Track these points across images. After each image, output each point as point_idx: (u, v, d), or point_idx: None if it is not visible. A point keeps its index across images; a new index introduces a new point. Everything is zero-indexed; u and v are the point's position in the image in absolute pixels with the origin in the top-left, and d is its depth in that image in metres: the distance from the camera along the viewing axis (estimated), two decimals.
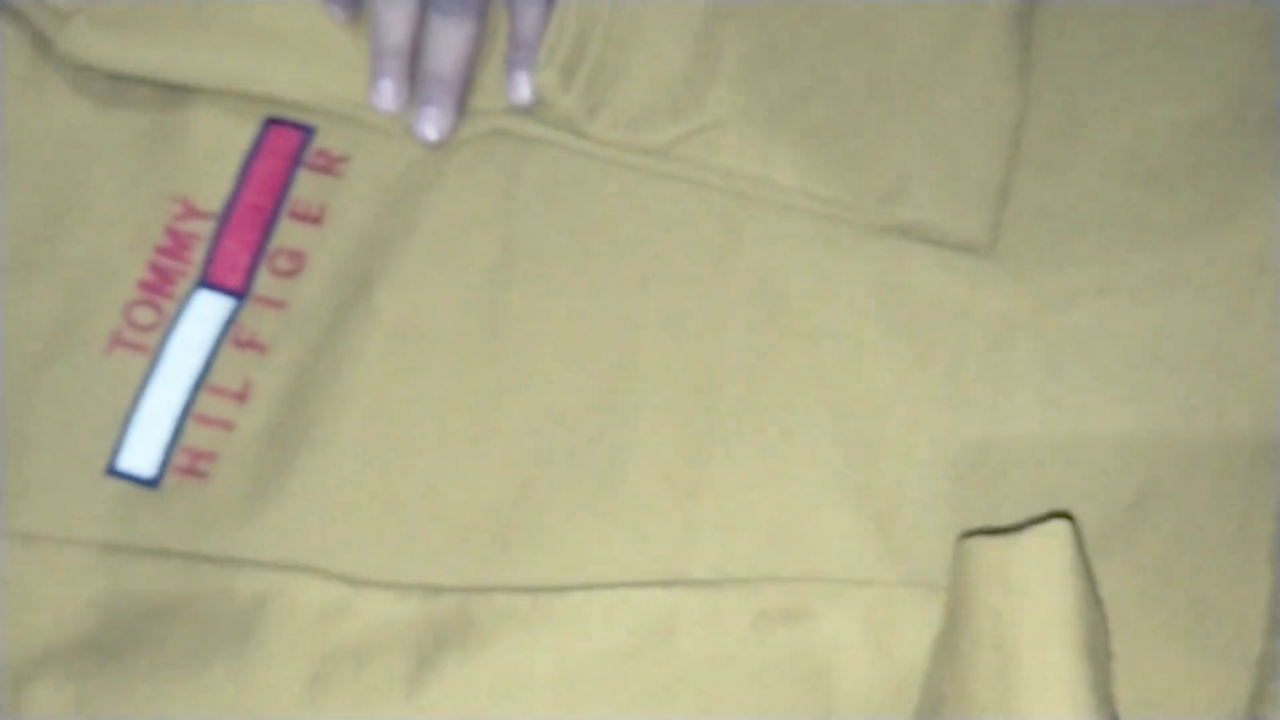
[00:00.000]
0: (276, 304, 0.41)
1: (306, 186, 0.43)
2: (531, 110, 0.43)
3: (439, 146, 0.42)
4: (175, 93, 0.44)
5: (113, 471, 0.40)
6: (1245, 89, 0.44)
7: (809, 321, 0.40)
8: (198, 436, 0.40)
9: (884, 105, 0.42)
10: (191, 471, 0.39)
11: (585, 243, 0.41)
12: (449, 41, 0.42)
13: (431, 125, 0.42)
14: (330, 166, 0.43)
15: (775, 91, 0.43)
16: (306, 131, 0.43)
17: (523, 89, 0.42)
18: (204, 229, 0.42)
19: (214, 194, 0.43)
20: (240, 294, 0.41)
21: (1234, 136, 0.43)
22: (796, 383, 0.40)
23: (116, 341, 0.41)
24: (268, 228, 0.42)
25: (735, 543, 0.38)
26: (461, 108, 0.43)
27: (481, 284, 0.41)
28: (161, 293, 0.42)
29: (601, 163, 0.42)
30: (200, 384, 0.40)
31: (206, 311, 0.41)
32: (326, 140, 0.43)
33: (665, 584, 0.37)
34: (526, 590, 0.37)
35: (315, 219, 0.42)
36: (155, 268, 0.42)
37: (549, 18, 0.42)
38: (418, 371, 0.40)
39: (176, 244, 0.42)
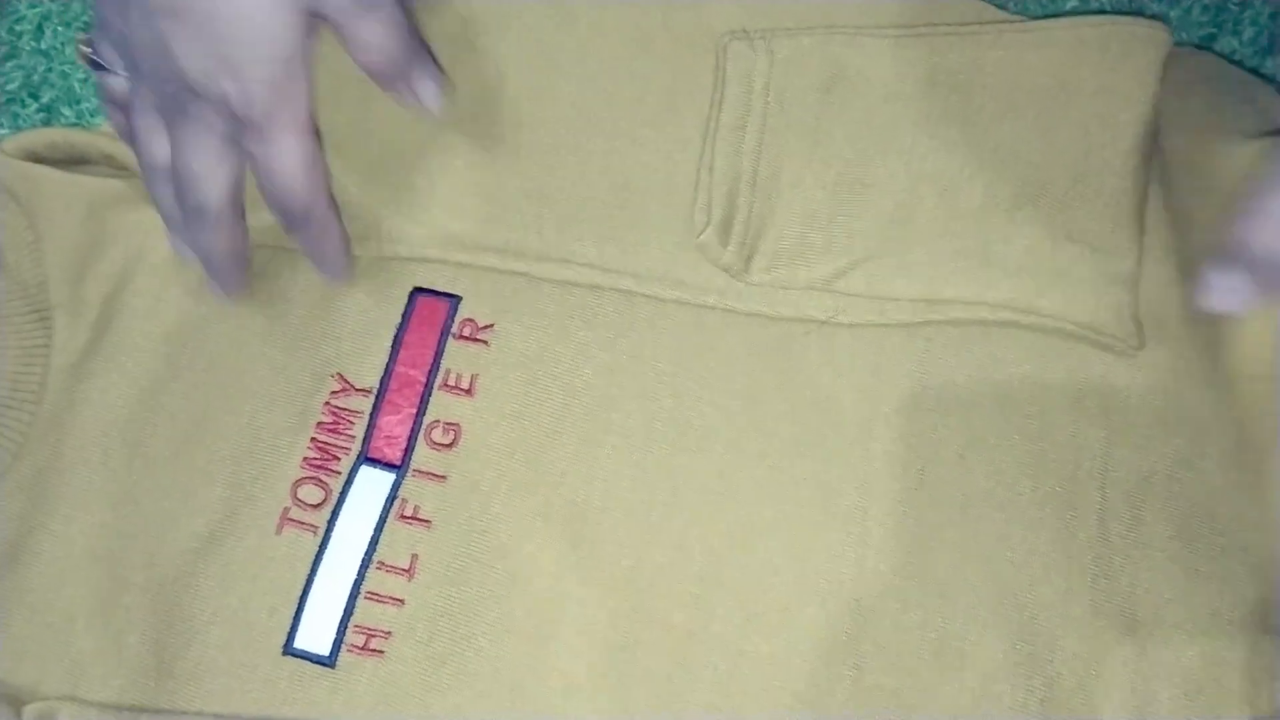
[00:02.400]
0: (436, 477, 0.43)
1: (457, 357, 0.44)
2: (670, 272, 0.44)
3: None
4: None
5: (290, 651, 0.41)
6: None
7: (955, 488, 0.42)
8: (371, 614, 0.41)
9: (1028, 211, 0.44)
10: (367, 649, 0.41)
11: (735, 413, 0.43)
12: (208, 244, 0.43)
13: (219, 298, 0.44)
14: (477, 334, 0.44)
15: (926, 215, 0.44)
16: (453, 300, 0.45)
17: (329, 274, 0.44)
18: (362, 404, 0.44)
19: (369, 368, 0.44)
20: (400, 467, 0.43)
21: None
22: (950, 548, 0.41)
23: (286, 520, 0.42)
24: (423, 400, 0.44)
25: None
26: (245, 282, 0.44)
27: (637, 460, 0.42)
28: (326, 469, 0.43)
29: (741, 327, 0.44)
30: (369, 561, 0.42)
31: (370, 487, 0.43)
32: (472, 308, 0.45)
33: None
34: None
35: (468, 390, 0.44)
36: (319, 445, 0.43)
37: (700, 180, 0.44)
38: (587, 551, 0.41)
39: (337, 420, 0.44)
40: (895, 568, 0.41)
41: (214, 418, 0.44)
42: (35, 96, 0.53)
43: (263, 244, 0.45)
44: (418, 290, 0.45)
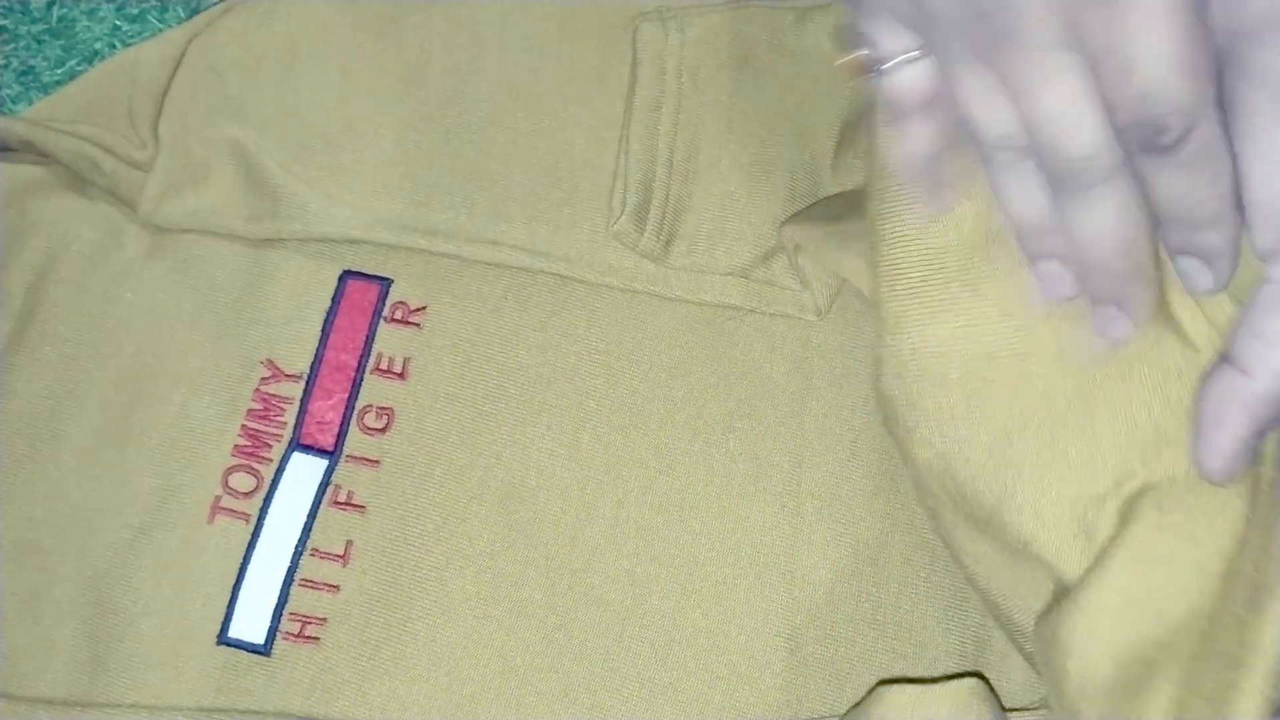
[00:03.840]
0: (370, 461, 0.42)
1: (389, 340, 0.44)
2: (598, 254, 0.44)
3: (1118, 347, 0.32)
4: (253, 250, 0.45)
5: (224, 640, 0.41)
6: None
7: (886, 459, 0.42)
8: (306, 601, 0.41)
9: None
10: (302, 636, 0.41)
11: (668, 390, 0.43)
12: (1093, 223, 0.30)
13: (1115, 328, 0.32)
14: (409, 317, 0.44)
15: (836, 205, 0.44)
16: (384, 283, 0.44)
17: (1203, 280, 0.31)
18: (293, 390, 0.43)
19: (299, 353, 0.44)
20: (333, 453, 0.43)
21: None
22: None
23: (218, 509, 0.42)
24: (355, 385, 0.43)
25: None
26: (1148, 301, 0.32)
27: (571, 439, 0.42)
28: (257, 457, 0.43)
29: (672, 305, 0.44)
30: (302, 548, 0.42)
31: (302, 473, 0.42)
32: (403, 290, 0.44)
33: None
34: None
35: (400, 374, 0.43)
36: (249, 432, 0.43)
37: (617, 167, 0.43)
38: (522, 531, 0.41)
39: (267, 407, 0.43)
40: (829, 539, 0.41)
41: (142, 406, 0.43)
42: None
43: (196, 229, 0.45)
44: (347, 273, 0.45)
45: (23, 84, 0.52)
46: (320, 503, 0.42)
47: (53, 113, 0.47)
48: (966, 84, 0.29)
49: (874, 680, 0.40)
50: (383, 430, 0.43)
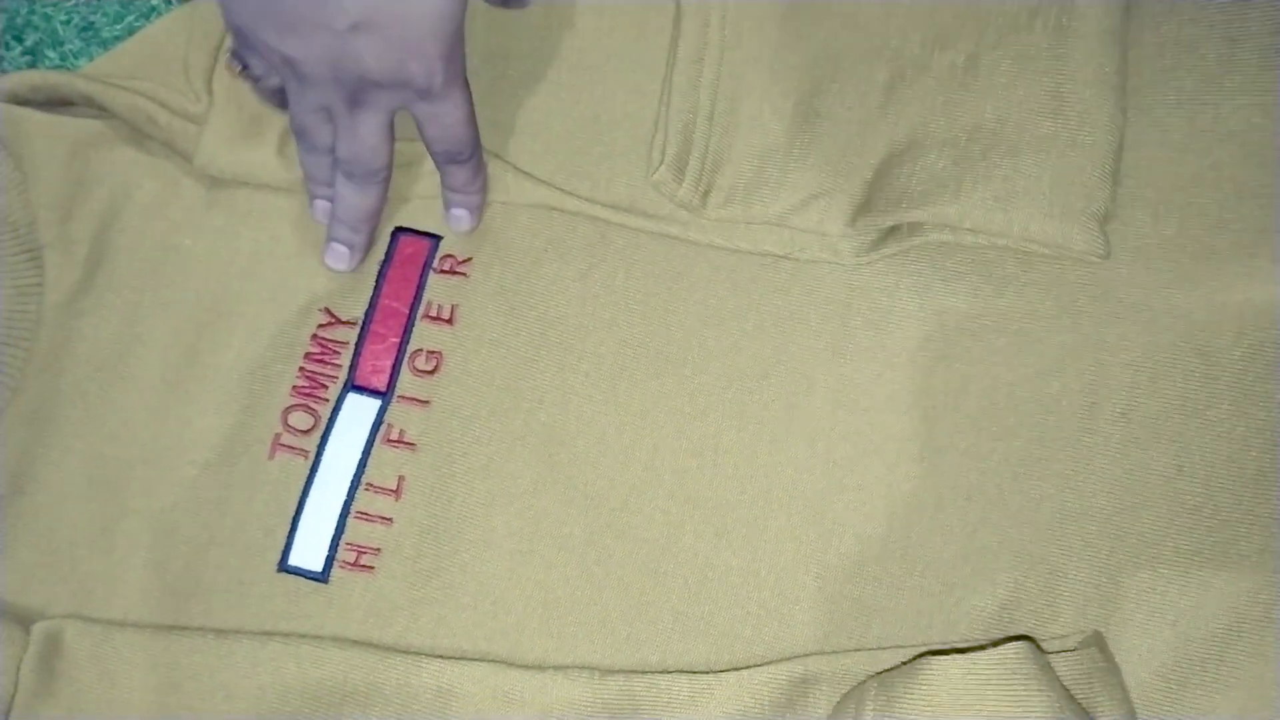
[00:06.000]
0: (420, 402, 0.45)
1: (437, 289, 0.46)
2: (636, 203, 0.46)
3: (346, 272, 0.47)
4: (306, 204, 0.47)
5: (285, 568, 0.43)
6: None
7: (923, 400, 0.44)
8: (361, 533, 0.43)
9: (986, 143, 0.44)
10: (358, 565, 0.43)
11: (703, 337, 0.45)
12: (357, 202, 0.46)
13: (339, 260, 0.47)
14: (456, 267, 0.46)
15: (879, 150, 0.45)
16: (434, 239, 0.47)
17: (463, 223, 0.47)
18: (348, 335, 0.46)
19: (354, 302, 0.46)
20: (385, 394, 0.45)
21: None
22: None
23: (278, 445, 0.45)
24: (406, 330, 0.46)
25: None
26: (367, 249, 0.47)
27: (609, 385, 0.45)
28: (314, 397, 0.45)
29: (709, 253, 0.46)
30: (358, 482, 0.44)
31: (357, 413, 0.45)
32: (451, 244, 0.47)
33: (801, 656, 0.41)
34: (683, 672, 0.41)
35: (448, 320, 0.46)
36: (307, 374, 0.45)
37: (667, 113, 0.46)
38: (563, 472, 0.44)
39: (324, 350, 0.46)
40: (861, 483, 0.43)
41: (204, 350, 0.46)
42: (19, 40, 0.54)
43: (251, 183, 0.47)
44: (399, 229, 0.47)
45: (84, 39, 0.54)
46: (374, 440, 0.44)
47: (112, 68, 0.49)
48: (307, 114, 0.44)
49: (902, 617, 0.42)
50: (432, 372, 0.45)
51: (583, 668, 0.41)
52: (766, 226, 0.45)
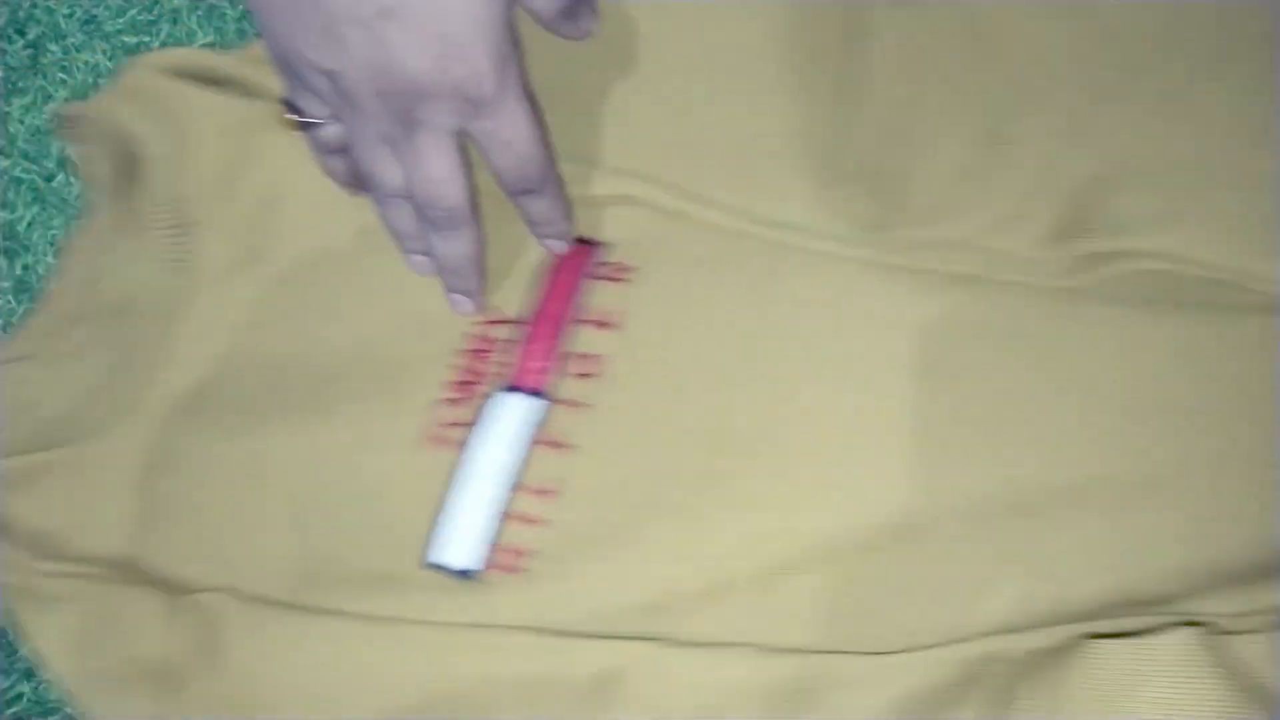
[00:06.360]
0: (579, 405, 0.44)
1: (600, 294, 0.45)
2: (811, 223, 0.45)
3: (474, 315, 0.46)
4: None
5: (431, 564, 0.42)
6: None
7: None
8: (513, 533, 0.42)
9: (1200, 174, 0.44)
10: (508, 567, 0.42)
11: (887, 354, 0.44)
12: (451, 251, 0.44)
13: (463, 307, 0.45)
14: (622, 275, 0.45)
15: (1079, 175, 0.45)
16: (598, 245, 0.46)
17: (558, 249, 0.45)
18: (508, 333, 0.45)
19: (515, 301, 0.45)
20: (542, 395, 0.44)
21: None
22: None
23: (430, 437, 0.43)
24: (566, 333, 0.45)
25: None
26: (484, 283, 0.45)
27: (782, 395, 0.43)
28: (470, 393, 0.44)
29: (888, 273, 0.45)
30: (511, 482, 0.43)
31: (513, 412, 0.43)
32: (617, 252, 0.46)
33: (982, 635, 0.40)
34: (859, 653, 0.39)
35: (610, 325, 0.45)
36: (463, 369, 0.44)
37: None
38: (728, 484, 0.42)
39: (482, 346, 0.45)
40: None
41: (362, 338, 0.45)
42: (21, 33, 0.53)
43: None
44: None
45: (86, 33, 0.53)
46: (530, 440, 0.43)
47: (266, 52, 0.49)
48: (369, 149, 0.41)
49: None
50: (592, 377, 0.44)
51: (750, 645, 0.40)
52: (958, 247, 0.45)
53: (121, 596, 0.42)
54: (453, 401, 0.44)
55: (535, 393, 0.44)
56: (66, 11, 0.53)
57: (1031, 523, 0.41)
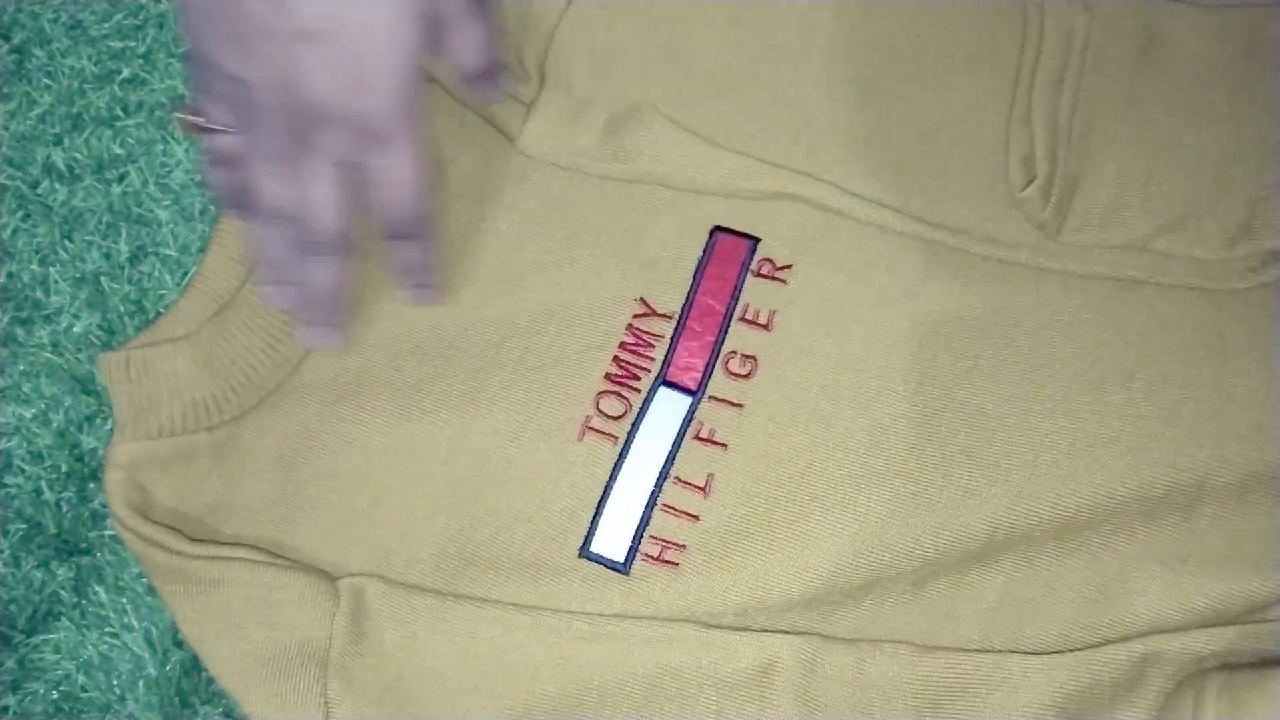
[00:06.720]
0: (733, 405, 0.44)
1: (755, 293, 0.45)
2: (974, 226, 0.45)
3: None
4: (626, 194, 0.47)
5: (586, 554, 0.43)
6: None
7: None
8: (667, 526, 0.43)
9: None
10: (661, 560, 0.42)
11: (1052, 355, 0.44)
12: (321, 279, 0.44)
13: (316, 341, 0.46)
14: (775, 273, 0.46)
15: (1260, 176, 0.44)
16: (752, 241, 0.46)
17: (413, 301, 0.46)
18: (663, 329, 0.45)
19: (671, 296, 0.46)
20: (697, 393, 0.44)
21: None
22: None
23: (588, 428, 0.44)
24: (721, 331, 0.45)
25: None
26: (345, 320, 0.46)
27: (934, 405, 0.43)
28: (627, 386, 0.45)
29: (1053, 277, 0.44)
30: (666, 475, 0.43)
31: (668, 408, 0.44)
32: (770, 248, 0.46)
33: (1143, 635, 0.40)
34: (1016, 652, 0.40)
35: (765, 325, 0.45)
36: (621, 362, 0.45)
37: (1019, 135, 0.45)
38: (879, 479, 0.43)
39: (639, 342, 0.45)
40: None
41: (519, 329, 0.46)
42: (7, 38, 0.53)
43: (569, 167, 0.47)
44: (718, 228, 0.46)
45: (71, 38, 0.53)
46: (684, 436, 0.44)
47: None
48: (261, 162, 0.42)
49: None
50: (746, 376, 0.44)
51: (904, 643, 0.40)
52: (1128, 250, 0.44)
53: (272, 579, 0.43)
54: (610, 394, 0.45)
55: (689, 390, 0.44)
56: (52, 16, 0.53)
57: (1180, 518, 0.41)
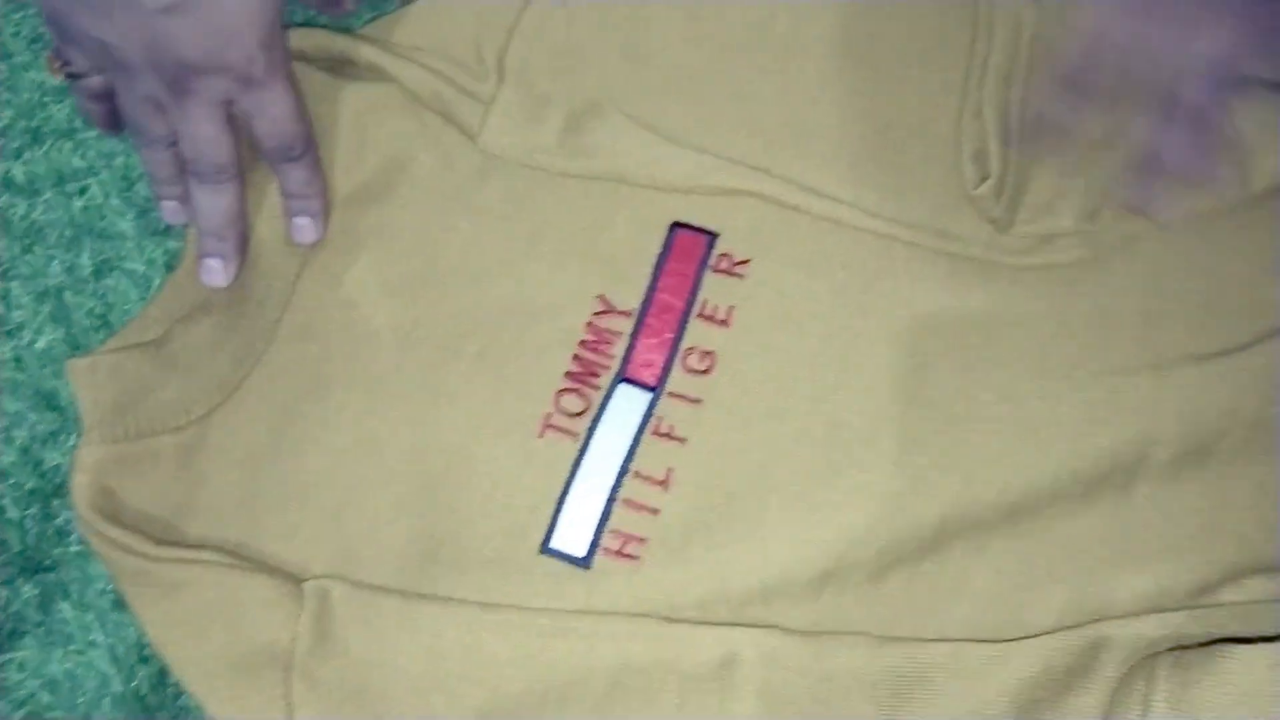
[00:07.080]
0: (691, 400, 0.44)
1: (714, 289, 0.46)
2: (928, 221, 0.46)
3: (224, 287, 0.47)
4: (585, 191, 0.47)
5: (547, 550, 0.43)
6: None
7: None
8: (627, 521, 0.43)
9: None
10: (622, 554, 0.42)
11: (1012, 346, 0.44)
12: (214, 205, 0.46)
13: (214, 275, 0.47)
14: (733, 269, 0.46)
15: None
16: (710, 236, 0.46)
17: (306, 233, 0.47)
18: (623, 326, 0.46)
19: (630, 292, 0.46)
20: (656, 389, 0.44)
21: None
22: None
23: (548, 425, 0.44)
24: (680, 327, 0.45)
25: None
26: (241, 255, 0.47)
27: (888, 397, 0.44)
28: (586, 383, 0.45)
29: (1003, 271, 0.45)
30: (626, 470, 0.43)
31: (627, 404, 0.44)
32: (729, 243, 0.46)
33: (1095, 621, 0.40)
34: (972, 640, 0.40)
35: (724, 321, 0.45)
36: (580, 360, 0.45)
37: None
38: (837, 471, 0.43)
39: (599, 339, 0.45)
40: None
41: (479, 325, 0.46)
42: None
43: (530, 164, 0.47)
44: (677, 224, 0.47)
45: (33, 52, 0.52)
46: (643, 432, 0.44)
47: (398, 34, 0.49)
48: (136, 104, 0.45)
49: None
50: (705, 372, 0.45)
51: (863, 634, 0.40)
52: (1066, 237, 0.45)
53: (237, 582, 0.43)
54: (570, 392, 0.45)
55: (648, 386, 0.45)
56: (13, 30, 0.52)
57: (1118, 498, 0.42)
